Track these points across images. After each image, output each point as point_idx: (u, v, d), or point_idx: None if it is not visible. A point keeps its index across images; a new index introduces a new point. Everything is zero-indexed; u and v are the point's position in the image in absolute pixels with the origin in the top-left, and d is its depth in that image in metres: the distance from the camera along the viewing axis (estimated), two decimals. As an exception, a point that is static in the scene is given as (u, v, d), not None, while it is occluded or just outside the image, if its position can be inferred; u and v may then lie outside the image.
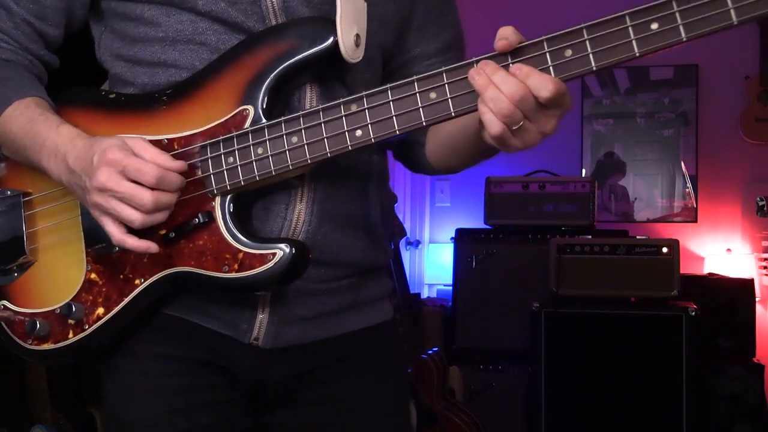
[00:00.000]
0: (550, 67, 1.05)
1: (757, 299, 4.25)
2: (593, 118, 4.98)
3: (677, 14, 0.99)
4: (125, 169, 1.14)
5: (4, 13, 1.31)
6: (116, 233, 1.17)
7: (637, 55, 1.02)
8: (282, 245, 1.17)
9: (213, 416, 1.31)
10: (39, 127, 1.24)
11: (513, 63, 1.06)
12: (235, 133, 1.19)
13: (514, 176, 4.37)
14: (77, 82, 1.36)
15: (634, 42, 1.01)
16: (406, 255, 4.90)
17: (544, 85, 1.04)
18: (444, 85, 1.10)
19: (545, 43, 1.05)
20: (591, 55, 1.04)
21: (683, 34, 1.00)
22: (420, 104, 1.11)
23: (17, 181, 1.35)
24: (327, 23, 1.18)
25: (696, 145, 4.84)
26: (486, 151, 1.28)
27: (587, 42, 1.03)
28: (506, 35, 1.07)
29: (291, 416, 1.36)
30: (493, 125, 1.06)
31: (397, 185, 4.92)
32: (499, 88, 1.05)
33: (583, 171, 4.97)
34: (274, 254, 1.17)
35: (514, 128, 1.06)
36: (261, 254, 1.17)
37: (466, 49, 1.47)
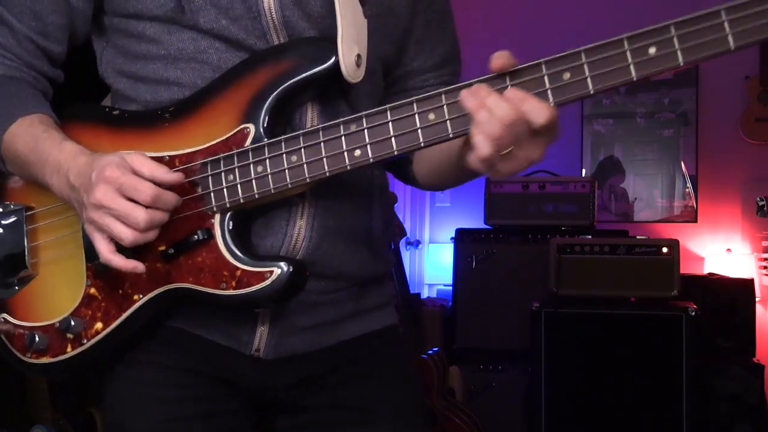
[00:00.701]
0: (549, 90, 1.04)
1: (757, 299, 4.25)
2: (593, 118, 4.98)
3: (675, 39, 0.99)
4: (122, 186, 1.14)
5: (6, 31, 1.31)
6: (105, 251, 1.17)
7: (635, 79, 1.01)
8: (280, 263, 1.17)
9: (213, 426, 1.31)
10: (43, 144, 1.24)
11: (511, 85, 1.06)
12: (235, 151, 1.19)
13: (514, 176, 4.36)
14: (83, 96, 1.36)
15: (632, 66, 1.01)
16: (406, 255, 4.90)
17: (539, 110, 1.04)
18: (443, 106, 1.10)
19: (543, 66, 1.05)
20: (589, 79, 1.03)
21: (681, 60, 0.99)
22: (419, 125, 1.11)
23: (21, 196, 1.35)
24: (328, 44, 1.18)
25: (696, 145, 4.84)
26: (470, 175, 1.27)
27: (585, 65, 1.03)
28: (501, 56, 1.06)
29: (294, 424, 1.37)
30: (483, 147, 1.06)
31: (397, 185, 4.89)
32: (492, 111, 1.04)
33: (583, 171, 4.97)
34: (271, 272, 1.17)
35: (503, 152, 1.06)
36: (259, 272, 1.17)
37: (462, 61, 1.47)
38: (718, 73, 4.76)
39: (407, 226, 4.97)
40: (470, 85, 1.09)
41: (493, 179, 4.33)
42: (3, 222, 1.33)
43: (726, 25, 0.97)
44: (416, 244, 5.11)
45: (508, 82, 1.06)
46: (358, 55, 1.19)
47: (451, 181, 1.41)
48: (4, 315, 1.33)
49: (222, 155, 1.20)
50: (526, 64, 1.06)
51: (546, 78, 1.04)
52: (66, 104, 1.35)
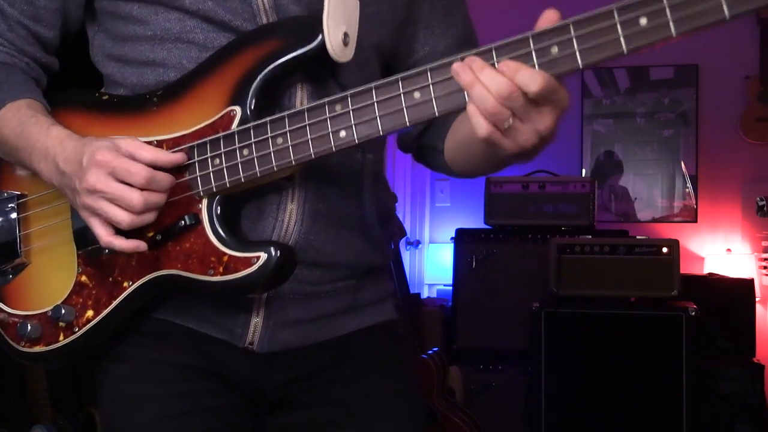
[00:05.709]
0: (536, 66, 1.01)
1: (757, 299, 4.25)
2: (593, 118, 4.98)
3: (667, 9, 0.94)
4: (114, 170, 1.14)
5: None
6: (104, 234, 1.17)
7: (625, 53, 0.97)
8: (268, 248, 1.16)
9: (210, 421, 1.29)
10: (30, 129, 1.24)
11: (498, 61, 1.02)
12: (221, 134, 1.18)
13: (514, 176, 4.36)
14: (81, 85, 1.35)
15: (622, 39, 0.96)
16: (406, 255, 4.90)
17: (532, 79, 0.99)
18: (429, 85, 1.07)
19: (531, 40, 1.01)
20: (578, 53, 0.99)
21: (673, 31, 0.94)
22: (404, 105, 1.08)
23: (13, 183, 1.35)
24: (314, 22, 1.16)
25: (696, 145, 4.84)
26: (501, 160, 1.23)
27: (574, 39, 0.99)
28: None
29: (292, 420, 1.35)
30: (481, 126, 1.03)
31: (397, 185, 4.93)
32: (487, 87, 1.01)
33: (583, 171, 4.97)
34: (258, 257, 1.15)
35: (505, 127, 1.02)
36: (245, 257, 1.16)
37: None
38: (718, 73, 4.76)
39: (407, 226, 4.97)
40: (453, 62, 1.05)
41: (493, 179, 4.33)
42: (-4, 210, 1.33)
43: None
44: (416, 244, 5.10)
45: (495, 58, 1.03)
46: (346, 34, 1.17)
47: (485, 168, 1.35)
48: None
49: (208, 139, 1.19)
50: (512, 39, 1.02)
51: (533, 53, 1.00)
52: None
